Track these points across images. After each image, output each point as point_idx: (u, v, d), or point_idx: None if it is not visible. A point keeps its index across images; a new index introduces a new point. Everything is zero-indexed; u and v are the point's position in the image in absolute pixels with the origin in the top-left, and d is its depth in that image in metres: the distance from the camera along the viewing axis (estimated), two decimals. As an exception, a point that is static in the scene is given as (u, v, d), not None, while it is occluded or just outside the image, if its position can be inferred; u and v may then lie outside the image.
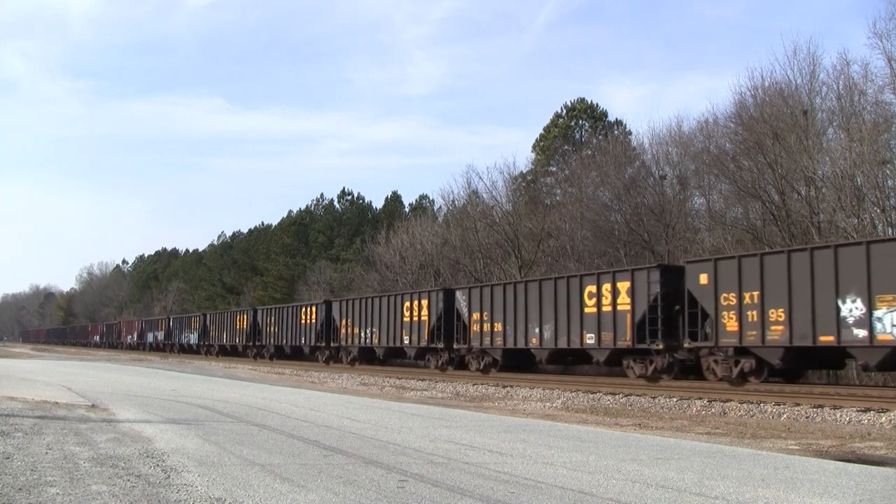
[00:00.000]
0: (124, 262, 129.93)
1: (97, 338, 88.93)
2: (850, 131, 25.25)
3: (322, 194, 77.21)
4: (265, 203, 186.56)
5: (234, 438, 8.37)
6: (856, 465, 7.64)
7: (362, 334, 33.12)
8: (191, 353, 54.18)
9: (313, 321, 37.65)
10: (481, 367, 26.46)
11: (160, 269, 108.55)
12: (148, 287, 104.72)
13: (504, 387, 20.31)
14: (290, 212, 76.77)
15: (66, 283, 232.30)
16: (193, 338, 53.51)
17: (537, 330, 23.69)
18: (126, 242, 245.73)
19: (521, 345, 24.29)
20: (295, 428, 9.54)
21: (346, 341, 34.58)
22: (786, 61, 30.06)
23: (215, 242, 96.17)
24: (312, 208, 75.23)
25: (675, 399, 15.79)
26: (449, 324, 28.04)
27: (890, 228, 24.27)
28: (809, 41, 49.53)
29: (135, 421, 9.95)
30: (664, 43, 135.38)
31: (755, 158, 28.03)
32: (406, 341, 30.24)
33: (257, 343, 44.09)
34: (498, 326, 25.34)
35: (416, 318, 29.69)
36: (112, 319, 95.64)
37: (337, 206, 73.94)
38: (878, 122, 25.19)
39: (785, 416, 13.35)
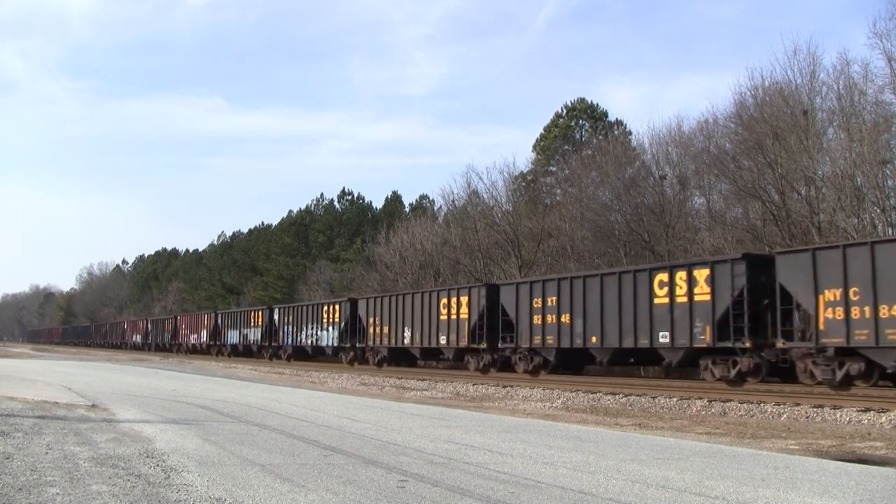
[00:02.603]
0: (124, 262, 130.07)
1: (137, 338, 69.15)
2: (850, 131, 25.25)
3: (322, 194, 77.25)
4: (265, 203, 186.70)
5: (234, 438, 8.37)
6: (856, 465, 7.64)
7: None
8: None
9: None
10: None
11: (160, 269, 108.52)
12: (148, 287, 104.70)
13: (504, 387, 20.32)
14: (290, 212, 76.85)
15: (66, 283, 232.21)
16: (330, 338, 36.09)
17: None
18: (126, 242, 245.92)
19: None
20: (295, 428, 9.54)
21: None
22: (786, 61, 30.03)
23: (215, 242, 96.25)
24: (312, 208, 75.26)
25: (675, 399, 15.80)
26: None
27: (890, 228, 24.29)
28: (809, 41, 49.33)
29: (135, 421, 9.95)
30: (664, 43, 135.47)
31: (755, 158, 28.03)
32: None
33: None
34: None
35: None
36: (165, 313, 76.12)
37: (337, 206, 73.96)
38: (878, 122, 25.18)
39: (785, 416, 13.35)
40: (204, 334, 52.48)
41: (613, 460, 7.34)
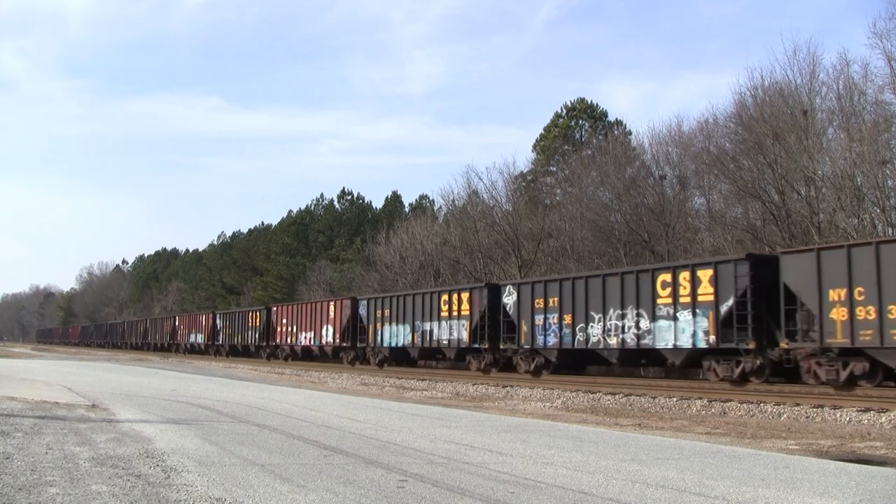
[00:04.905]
0: (124, 262, 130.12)
1: (198, 338, 52.13)
2: (850, 131, 25.24)
3: (322, 194, 77.32)
4: (265, 203, 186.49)
5: (234, 438, 8.37)
6: (856, 465, 7.64)
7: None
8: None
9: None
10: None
11: (160, 269, 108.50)
12: (148, 287, 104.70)
13: (504, 387, 20.32)
14: (290, 212, 76.87)
15: (66, 283, 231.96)
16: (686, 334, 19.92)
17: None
18: (126, 242, 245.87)
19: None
20: (295, 428, 9.54)
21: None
22: (786, 61, 30.07)
23: (215, 242, 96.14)
24: (312, 208, 75.28)
25: (675, 399, 15.80)
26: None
27: (890, 228, 24.27)
28: (809, 41, 49.48)
29: (135, 421, 9.95)
30: (664, 41, 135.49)
31: (755, 158, 28.03)
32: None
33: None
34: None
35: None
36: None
37: (337, 206, 73.98)
38: (878, 122, 25.19)
39: (785, 416, 13.35)
40: (328, 332, 35.97)
41: (613, 460, 7.34)
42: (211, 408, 12.19)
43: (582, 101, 51.65)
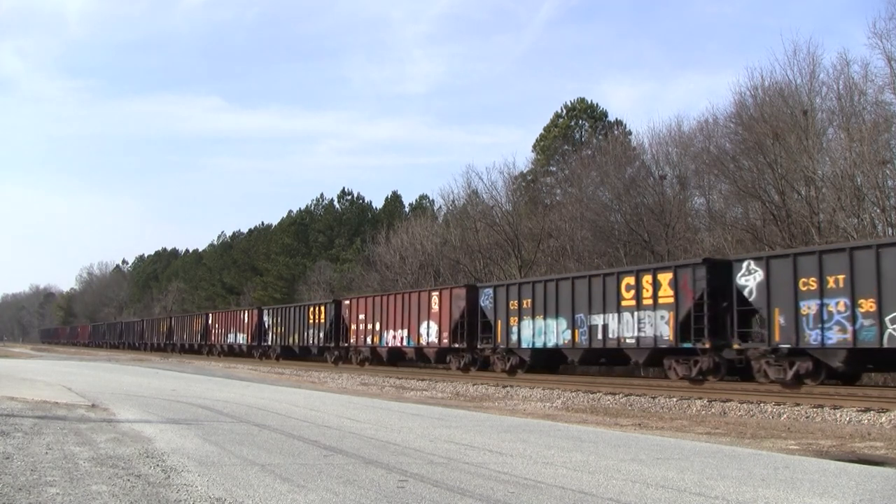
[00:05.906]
0: (124, 262, 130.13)
1: (238, 338, 45.50)
2: (850, 131, 25.23)
3: (322, 194, 77.32)
4: (265, 203, 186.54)
5: (234, 438, 8.37)
6: (856, 465, 7.64)
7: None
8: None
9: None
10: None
11: (160, 269, 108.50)
12: (148, 287, 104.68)
13: (504, 387, 20.32)
14: (290, 212, 76.88)
15: (66, 283, 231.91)
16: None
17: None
18: (126, 242, 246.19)
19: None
20: (295, 428, 9.54)
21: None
22: (786, 61, 30.03)
23: (215, 242, 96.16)
24: (312, 208, 75.30)
25: (675, 399, 15.80)
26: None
27: (890, 228, 24.27)
28: (809, 41, 49.58)
29: (135, 421, 9.95)
30: (664, 41, 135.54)
31: (755, 158, 28.03)
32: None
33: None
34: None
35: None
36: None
37: (337, 206, 73.99)
38: (878, 122, 25.18)
39: (785, 416, 13.35)
40: (430, 330, 28.76)
41: (613, 460, 7.34)
42: (211, 408, 12.19)
43: (582, 101, 51.66)
